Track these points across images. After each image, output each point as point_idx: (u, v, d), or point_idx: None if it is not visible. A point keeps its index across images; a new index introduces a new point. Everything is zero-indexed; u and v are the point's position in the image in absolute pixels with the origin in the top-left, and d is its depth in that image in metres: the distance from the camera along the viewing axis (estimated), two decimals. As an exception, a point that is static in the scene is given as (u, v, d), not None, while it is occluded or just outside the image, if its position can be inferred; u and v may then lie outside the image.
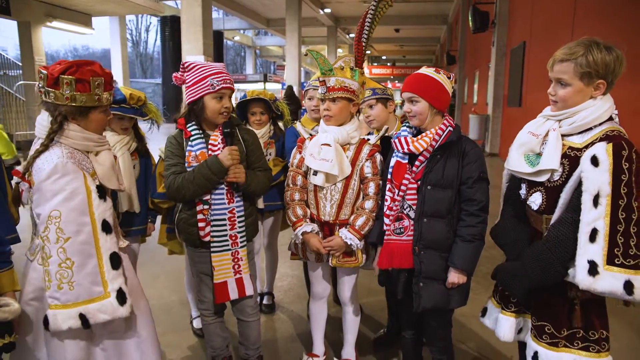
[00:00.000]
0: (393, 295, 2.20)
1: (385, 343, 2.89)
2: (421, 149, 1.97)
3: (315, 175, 2.25)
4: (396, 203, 2.03)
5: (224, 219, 2.20)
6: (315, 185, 2.29)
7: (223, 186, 2.18)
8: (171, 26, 22.07)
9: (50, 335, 1.72)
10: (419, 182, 1.99)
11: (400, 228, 2.02)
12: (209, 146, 2.18)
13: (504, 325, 1.89)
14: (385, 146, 2.33)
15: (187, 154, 2.19)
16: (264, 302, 3.45)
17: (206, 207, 2.20)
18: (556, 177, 1.65)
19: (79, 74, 1.67)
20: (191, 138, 2.20)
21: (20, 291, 1.73)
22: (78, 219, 1.64)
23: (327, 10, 23.07)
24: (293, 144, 2.92)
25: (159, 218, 2.90)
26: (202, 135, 2.21)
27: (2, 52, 15.20)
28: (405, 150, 2.00)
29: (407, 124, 2.11)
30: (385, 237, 2.07)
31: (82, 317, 1.64)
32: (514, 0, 11.36)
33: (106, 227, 1.71)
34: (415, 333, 2.25)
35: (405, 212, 2.02)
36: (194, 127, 2.21)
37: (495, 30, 11.96)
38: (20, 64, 14.20)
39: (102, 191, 1.74)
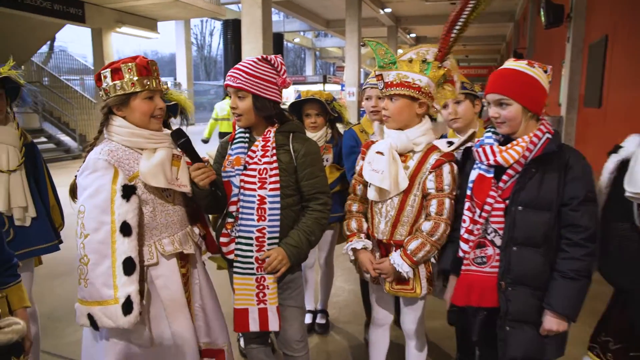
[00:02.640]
0: (466, 334, 1.85)
1: (454, 379, 2.53)
2: (511, 161, 1.61)
3: (369, 187, 1.96)
4: (478, 226, 1.68)
5: (251, 238, 1.90)
6: None
7: (254, 199, 1.89)
8: (233, 29, 22.45)
9: (95, 333, 1.73)
10: (507, 202, 1.63)
11: (482, 257, 1.67)
12: (249, 152, 1.93)
13: None
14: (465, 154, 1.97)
15: (227, 157, 1.99)
16: (317, 320, 3.18)
17: (231, 220, 1.95)
18: None
19: (114, 65, 1.70)
20: (233, 141, 1.99)
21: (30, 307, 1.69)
22: (99, 216, 1.62)
23: (388, 10, 22.59)
24: (349, 149, 2.64)
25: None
26: (246, 140, 1.97)
27: (82, 59, 16.17)
28: (491, 161, 1.64)
29: (491, 129, 1.75)
30: (463, 267, 1.72)
31: (91, 318, 1.61)
32: (593, -9, 10.45)
33: (125, 229, 1.63)
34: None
35: (489, 237, 1.67)
36: (242, 130, 2.00)
37: (571, 25, 11.04)
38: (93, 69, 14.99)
39: (128, 191, 1.66)
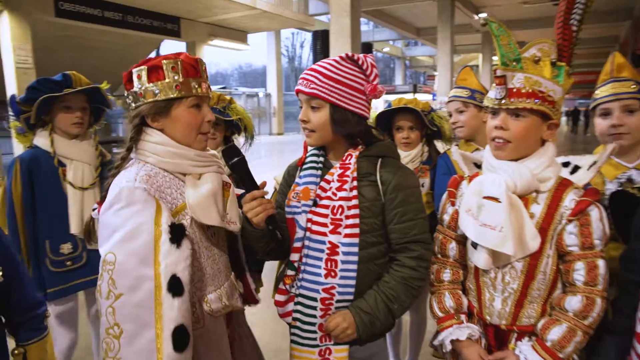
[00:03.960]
0: None
1: None
2: None
3: (475, 248, 1.36)
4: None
5: (314, 300, 1.41)
6: None
7: (323, 247, 1.39)
8: (322, 40, 22.56)
9: None
10: None
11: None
12: (322, 182, 1.44)
13: None
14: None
15: (293, 187, 1.51)
16: (406, 381, 2.61)
17: (291, 272, 1.46)
18: None
19: (151, 62, 1.29)
20: (303, 166, 1.51)
21: None
22: (137, 269, 1.17)
23: (483, 15, 21.36)
24: (440, 178, 2.08)
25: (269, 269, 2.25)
26: (319, 166, 1.48)
27: None
28: None
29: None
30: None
31: None
32: None
33: (175, 287, 1.18)
34: None
35: None
36: (315, 151, 1.50)
37: None
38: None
39: (178, 233, 1.22)
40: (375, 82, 1.40)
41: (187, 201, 1.29)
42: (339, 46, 11.43)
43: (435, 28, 19.49)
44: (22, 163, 2.01)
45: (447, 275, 1.47)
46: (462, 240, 1.44)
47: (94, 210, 1.32)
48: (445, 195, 1.51)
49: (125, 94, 1.32)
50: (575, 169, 1.50)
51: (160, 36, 14.07)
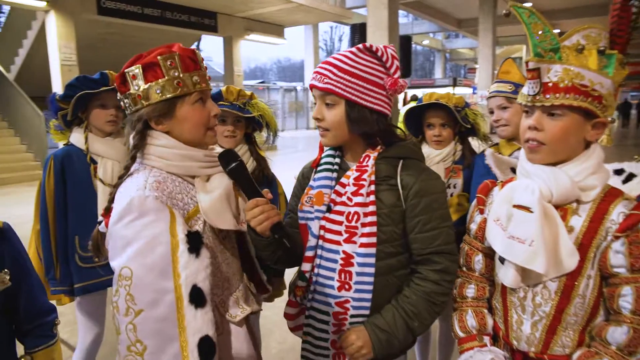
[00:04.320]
0: None
1: None
2: None
3: (502, 263, 1.21)
4: None
5: (327, 314, 1.30)
6: None
7: (337, 257, 1.28)
8: (360, 33, 22.35)
9: None
10: None
11: None
12: (337, 186, 1.32)
13: None
14: None
15: (306, 190, 1.40)
16: (435, 392, 2.48)
17: (302, 284, 1.35)
18: None
19: (144, 60, 1.19)
20: (317, 168, 1.39)
21: None
22: (156, 282, 1.10)
23: (528, 5, 20.50)
24: (477, 179, 1.93)
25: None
26: (334, 168, 1.36)
27: (215, 66, 17.47)
28: None
29: None
30: None
31: None
32: None
33: (197, 297, 1.12)
34: None
35: None
36: (330, 152, 1.39)
37: None
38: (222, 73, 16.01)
39: (196, 241, 1.15)
40: (396, 76, 1.28)
41: (201, 206, 1.22)
42: (377, 39, 11.21)
43: (477, 19, 19.03)
44: (56, 160, 2.06)
45: (471, 291, 1.33)
46: (489, 252, 1.30)
47: (99, 223, 1.24)
48: (474, 202, 1.36)
49: (119, 98, 1.23)
50: (630, 177, 1.33)
51: (198, 31, 14.25)
